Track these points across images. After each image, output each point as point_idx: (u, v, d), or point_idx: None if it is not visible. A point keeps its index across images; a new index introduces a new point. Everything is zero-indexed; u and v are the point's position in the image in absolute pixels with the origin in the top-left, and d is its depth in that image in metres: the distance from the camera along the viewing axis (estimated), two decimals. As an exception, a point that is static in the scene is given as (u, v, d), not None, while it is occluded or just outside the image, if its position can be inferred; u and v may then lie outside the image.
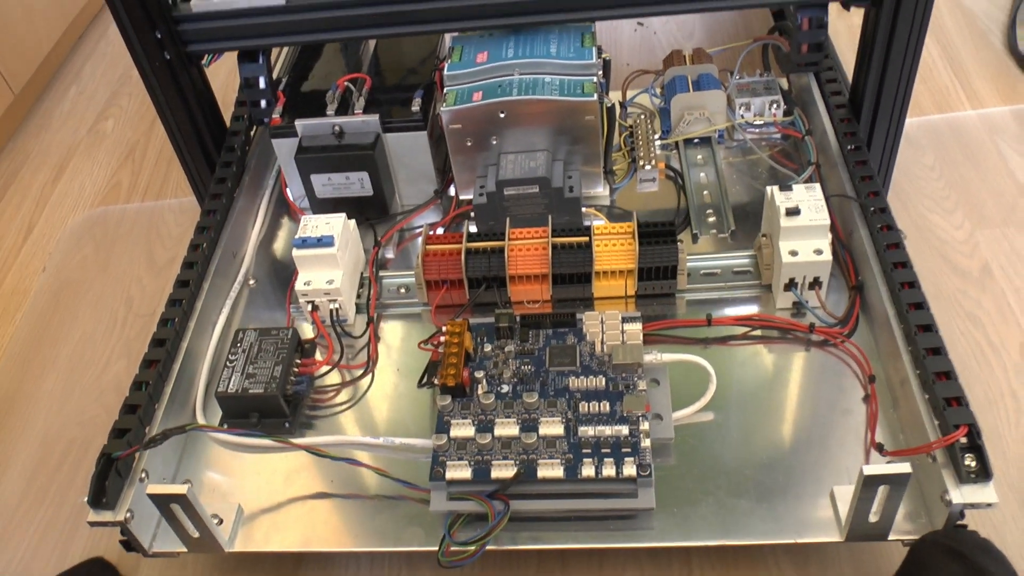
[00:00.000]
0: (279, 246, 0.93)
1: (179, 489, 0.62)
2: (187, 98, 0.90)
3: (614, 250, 0.79)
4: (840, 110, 0.89)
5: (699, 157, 0.95)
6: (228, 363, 0.76)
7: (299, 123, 0.88)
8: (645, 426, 0.67)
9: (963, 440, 0.60)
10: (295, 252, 0.80)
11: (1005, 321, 0.86)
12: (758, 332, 0.77)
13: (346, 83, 0.91)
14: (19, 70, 1.35)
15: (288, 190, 0.96)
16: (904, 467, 0.58)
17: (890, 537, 0.63)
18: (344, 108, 0.89)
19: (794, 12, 0.88)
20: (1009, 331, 0.85)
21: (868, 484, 0.58)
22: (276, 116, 0.90)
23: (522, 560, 0.74)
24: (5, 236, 1.17)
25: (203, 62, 0.92)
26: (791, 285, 0.77)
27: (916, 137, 1.07)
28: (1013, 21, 1.25)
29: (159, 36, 0.85)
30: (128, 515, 0.65)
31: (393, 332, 0.83)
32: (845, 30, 1.28)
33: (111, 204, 1.19)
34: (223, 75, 1.37)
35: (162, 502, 0.63)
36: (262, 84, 0.92)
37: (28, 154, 1.31)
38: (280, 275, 0.89)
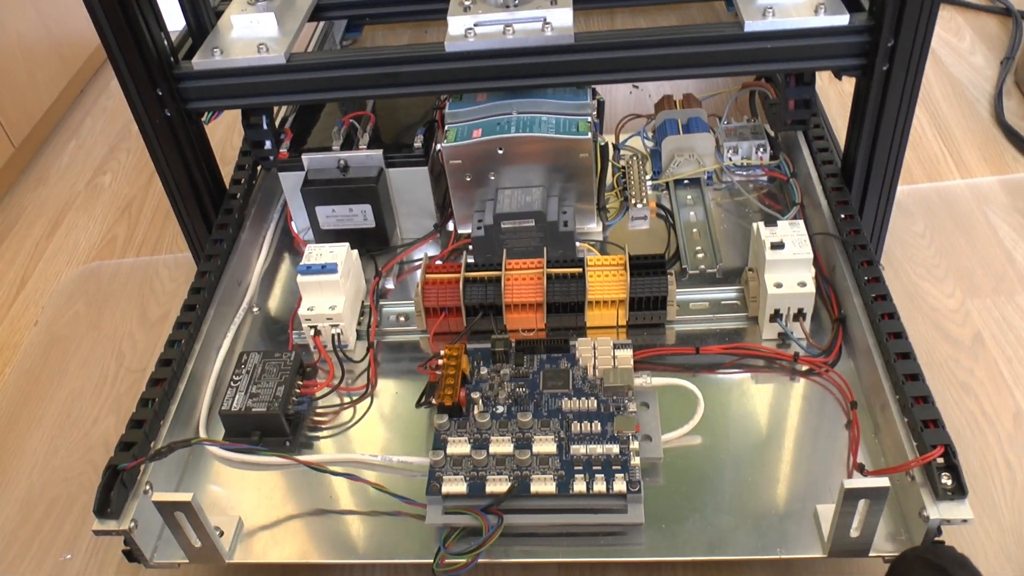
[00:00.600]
0: (282, 276, 0.98)
1: (184, 497, 0.64)
2: (186, 155, 0.91)
3: (606, 280, 0.83)
4: (832, 179, 0.92)
5: (688, 197, 1.00)
6: (232, 383, 0.79)
7: (305, 157, 0.93)
8: (635, 445, 0.70)
9: (940, 460, 0.64)
10: (300, 278, 0.84)
11: (998, 391, 0.86)
12: (745, 361, 0.81)
13: (351, 120, 0.96)
14: (20, 123, 1.37)
15: (293, 223, 1.00)
16: (883, 481, 0.61)
17: (871, 553, 0.65)
18: (349, 144, 0.94)
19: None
20: (1003, 401, 0.85)
21: (849, 498, 0.61)
22: (283, 151, 0.95)
23: (514, 573, 0.76)
24: (-2, 291, 1.17)
25: (203, 119, 0.93)
26: (776, 316, 0.81)
27: (907, 205, 1.09)
28: (1000, 92, 1.28)
29: (160, 93, 0.86)
30: (132, 524, 0.68)
31: (392, 358, 0.86)
32: (836, 96, 1.31)
33: (106, 259, 1.19)
34: (221, 131, 1.38)
35: (167, 510, 0.66)
36: (267, 142, 0.96)
37: (24, 207, 1.32)
38: (282, 304, 0.94)
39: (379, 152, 0.92)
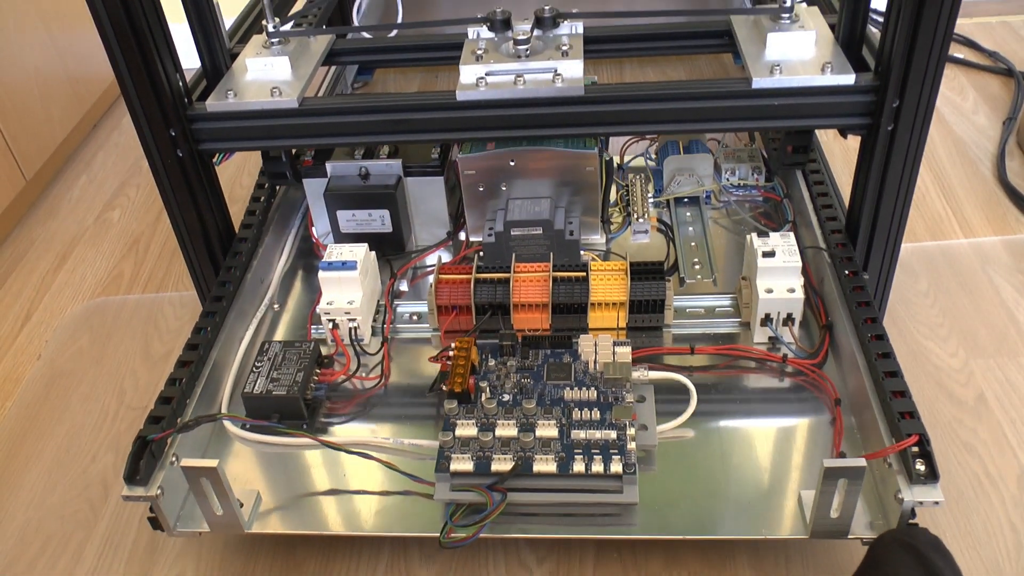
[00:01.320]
0: (302, 277, 1.05)
1: (210, 463, 0.69)
2: (195, 195, 0.92)
3: (608, 284, 0.89)
4: (853, 279, 0.88)
5: (688, 214, 1.07)
6: (254, 369, 0.85)
7: (329, 164, 1.00)
8: (631, 432, 0.74)
9: (915, 449, 0.69)
10: (321, 274, 0.90)
11: (1002, 452, 0.85)
12: (737, 362, 0.87)
13: None
14: (33, 156, 1.38)
15: (314, 228, 1.07)
16: (860, 461, 0.66)
17: (850, 535, 0.70)
18: (370, 153, 1.00)
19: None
20: (1007, 463, 0.85)
21: (828, 476, 0.66)
22: (308, 158, 1.02)
23: (515, 548, 0.81)
24: (2, 323, 1.17)
25: (214, 160, 0.94)
26: (767, 320, 0.86)
27: (910, 263, 1.09)
28: (1002, 152, 1.29)
29: (173, 134, 0.87)
30: (159, 491, 0.73)
31: (405, 352, 0.92)
32: (840, 153, 1.32)
33: (111, 295, 1.19)
34: (231, 171, 1.40)
35: (194, 475, 0.70)
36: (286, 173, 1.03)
37: (33, 241, 1.32)
38: (302, 302, 1.00)
39: (398, 162, 0.99)
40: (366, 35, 1.33)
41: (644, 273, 0.89)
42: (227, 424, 0.84)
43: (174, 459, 0.75)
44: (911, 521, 0.68)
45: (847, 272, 0.88)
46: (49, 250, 1.30)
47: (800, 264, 0.85)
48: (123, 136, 1.58)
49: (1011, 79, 1.49)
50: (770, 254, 0.85)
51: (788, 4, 0.86)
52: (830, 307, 0.89)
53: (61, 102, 1.47)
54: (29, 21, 1.39)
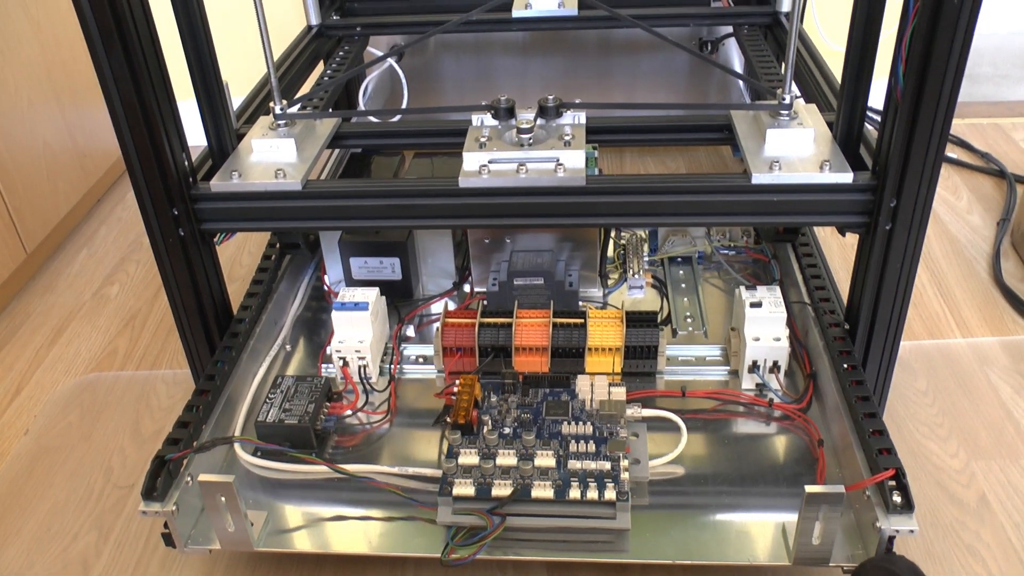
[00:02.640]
0: (312, 322, 1.11)
1: (227, 478, 0.74)
2: (195, 274, 0.91)
3: (605, 330, 0.95)
4: (835, 330, 0.93)
5: (681, 272, 1.16)
6: (267, 400, 0.91)
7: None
8: (625, 463, 0.80)
9: (892, 482, 0.74)
10: (334, 314, 0.96)
11: (1007, 557, 0.84)
12: (726, 406, 0.93)
13: None
14: (35, 230, 1.38)
15: (326, 276, 1.14)
16: (838, 488, 0.71)
17: (831, 563, 0.75)
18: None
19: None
20: (1012, 567, 0.83)
21: (810, 502, 0.71)
22: None
23: (516, 569, 0.85)
24: (-9, 396, 1.16)
25: (215, 239, 0.94)
26: (755, 368, 0.93)
27: (909, 361, 1.09)
28: (997, 252, 1.30)
29: (176, 213, 0.87)
30: (174, 508, 0.77)
31: (411, 391, 0.98)
32: (838, 249, 1.33)
33: (105, 370, 1.18)
34: (231, 250, 1.40)
35: (210, 491, 0.75)
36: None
37: (30, 314, 1.32)
38: (311, 345, 1.07)
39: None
40: (372, 119, 1.35)
41: (639, 321, 0.95)
42: (239, 451, 0.88)
43: (189, 479, 0.80)
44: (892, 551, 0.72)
45: (829, 324, 0.95)
46: (45, 324, 1.29)
47: (785, 315, 0.92)
48: (126, 211, 1.59)
49: (1003, 180, 1.51)
50: (757, 304, 0.92)
51: (787, 101, 0.88)
52: (814, 357, 0.95)
53: (67, 176, 1.49)
54: (42, 96, 1.41)
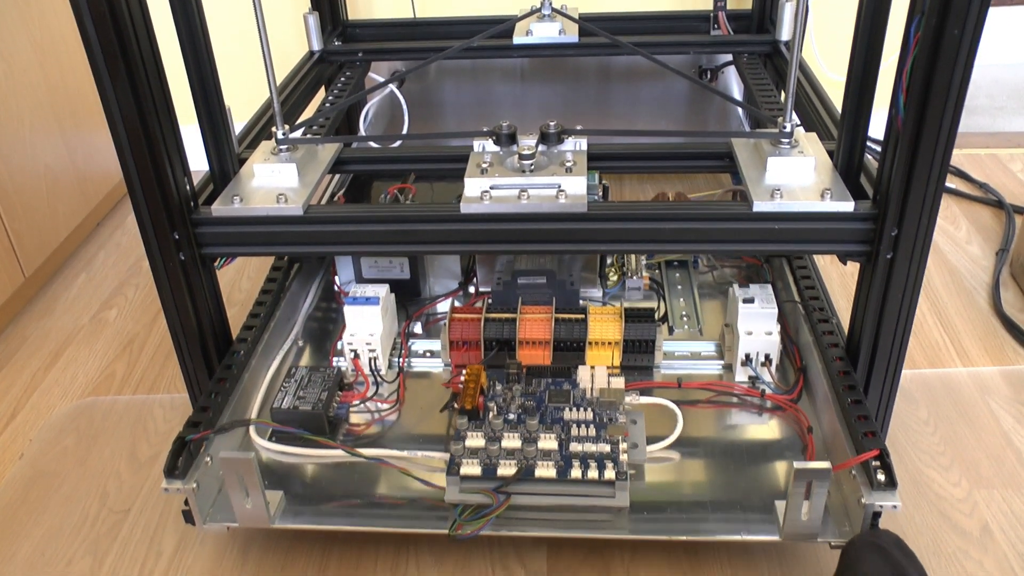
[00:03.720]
0: (323, 320, 1.16)
1: (246, 455, 0.79)
2: (195, 299, 0.91)
3: (604, 325, 1.01)
4: (825, 325, 1.00)
5: (677, 275, 1.20)
6: (282, 388, 0.96)
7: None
8: (623, 446, 0.85)
9: (876, 462, 0.78)
10: (346, 308, 1.01)
11: (1010, 586, 0.83)
12: (720, 397, 0.98)
13: (395, 191, 1.19)
14: (34, 253, 1.38)
15: (337, 276, 1.18)
16: (825, 464, 0.75)
17: (819, 539, 0.79)
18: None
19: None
20: (1015, 597, 0.82)
21: (798, 477, 0.76)
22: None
23: (517, 546, 0.90)
24: (-14, 420, 1.15)
25: (215, 264, 0.94)
26: (747, 361, 0.98)
27: (910, 390, 1.08)
28: (997, 282, 1.30)
29: (177, 237, 0.87)
30: (194, 486, 0.82)
31: (418, 383, 1.03)
32: (837, 276, 1.33)
33: (102, 394, 1.17)
34: (230, 274, 1.40)
35: (230, 467, 0.80)
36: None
37: (27, 338, 1.31)
38: (322, 341, 1.11)
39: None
40: (373, 144, 1.36)
41: (637, 317, 1.01)
42: (254, 436, 0.93)
43: (208, 460, 0.85)
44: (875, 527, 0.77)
45: (819, 320, 1.01)
46: (42, 348, 1.29)
47: (776, 311, 0.97)
48: (126, 236, 1.59)
49: (1001, 210, 1.52)
50: (749, 300, 0.97)
51: (788, 129, 0.88)
52: (804, 352, 1.00)
53: (67, 200, 1.49)
54: (44, 119, 1.41)
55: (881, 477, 0.78)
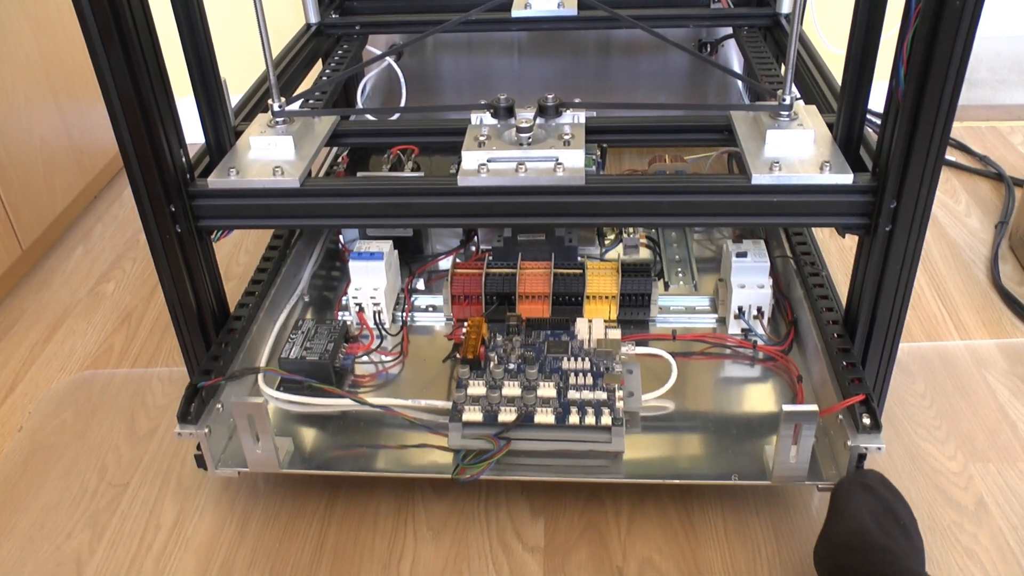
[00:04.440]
0: (328, 279, 1.21)
1: (257, 400, 0.83)
2: (192, 272, 0.91)
3: (602, 278, 1.05)
4: (820, 290, 1.02)
5: (673, 234, 1.24)
6: (289, 340, 1.00)
7: (360, 175, 1.14)
8: (620, 394, 0.88)
9: (862, 407, 0.82)
10: (351, 263, 1.05)
11: (1005, 560, 0.84)
12: (713, 349, 1.02)
13: (399, 151, 1.20)
14: (31, 226, 1.38)
15: (341, 235, 1.23)
16: (812, 407, 0.80)
17: (807, 481, 0.84)
18: (396, 168, 1.15)
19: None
20: (1010, 570, 0.83)
21: (786, 419, 0.80)
22: (340, 170, 1.21)
23: (515, 521, 0.91)
24: (-15, 393, 1.15)
25: (212, 237, 0.94)
26: (740, 314, 1.02)
27: (907, 363, 1.09)
28: (995, 255, 1.30)
29: (173, 210, 0.87)
30: (207, 431, 0.86)
31: (421, 336, 1.08)
32: (836, 251, 1.33)
33: (100, 368, 1.17)
34: (227, 247, 1.40)
35: (242, 412, 0.84)
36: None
37: (24, 311, 1.31)
38: (327, 299, 1.16)
39: (421, 174, 1.13)
40: (370, 117, 1.35)
41: (633, 271, 1.04)
42: (263, 387, 0.97)
43: (220, 407, 0.89)
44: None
45: (809, 273, 1.05)
46: (40, 321, 1.29)
47: (768, 265, 1.01)
48: (123, 209, 1.59)
49: (1001, 183, 1.51)
50: (743, 255, 1.01)
51: (787, 102, 0.88)
52: (795, 306, 1.05)
53: (63, 173, 1.48)
54: (39, 93, 1.41)
55: (867, 420, 0.81)
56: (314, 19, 1.38)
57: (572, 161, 0.85)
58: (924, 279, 1.26)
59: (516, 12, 1.33)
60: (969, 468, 0.94)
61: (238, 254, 1.40)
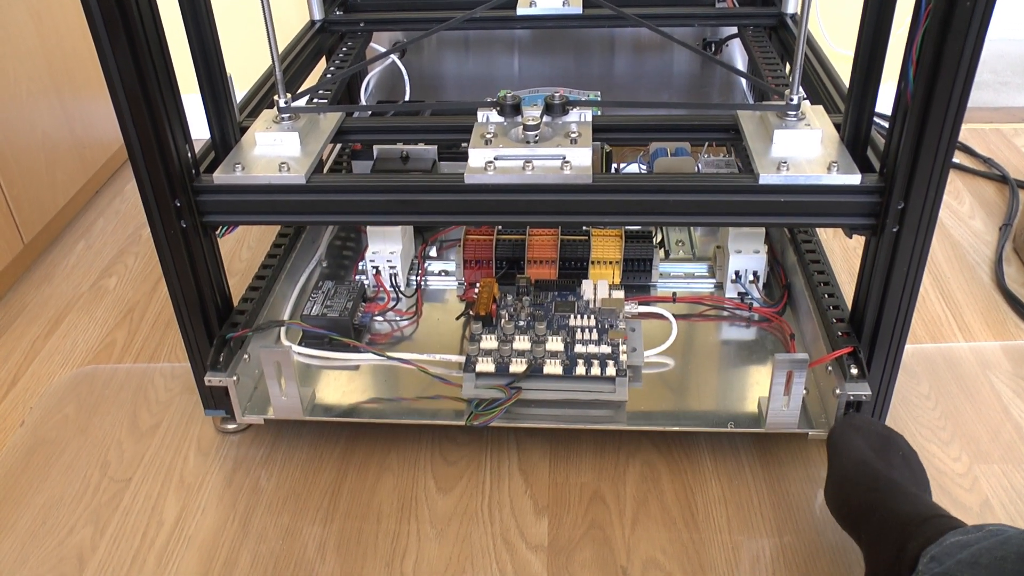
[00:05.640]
0: (343, 248, 1.28)
1: (284, 347, 0.94)
2: (196, 267, 0.91)
3: (606, 244, 1.12)
4: (819, 275, 1.06)
5: None
6: (310, 299, 1.07)
7: (376, 148, 1.17)
8: (623, 348, 0.95)
9: (850, 357, 0.88)
10: (369, 228, 1.11)
11: (1008, 561, 0.83)
12: (711, 311, 1.10)
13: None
14: (33, 220, 1.38)
15: None
16: (803, 355, 0.86)
17: (798, 429, 0.90)
18: (410, 142, 1.17)
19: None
20: (1013, 572, 0.82)
21: (778, 367, 0.86)
22: (357, 144, 1.22)
23: (519, 519, 0.92)
24: (-13, 387, 1.15)
25: (217, 232, 0.93)
26: (737, 278, 1.10)
27: (911, 364, 1.08)
28: (1000, 257, 1.30)
29: (178, 205, 0.86)
30: (235, 378, 0.93)
31: (435, 298, 1.16)
32: (840, 251, 1.33)
33: (102, 362, 1.17)
34: (230, 243, 1.39)
35: (270, 358, 0.91)
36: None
37: (26, 305, 1.31)
38: (344, 266, 1.24)
39: (434, 147, 1.16)
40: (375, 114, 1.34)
41: (636, 238, 1.12)
42: (284, 342, 1.04)
43: (247, 357, 0.96)
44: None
45: (802, 240, 1.12)
46: (41, 315, 1.28)
47: (764, 231, 1.09)
48: (125, 203, 1.58)
49: (1005, 185, 1.51)
50: None
51: (795, 102, 0.87)
52: (789, 272, 1.12)
53: (66, 167, 1.48)
54: (42, 86, 1.40)
55: (854, 370, 0.87)
56: (318, 16, 1.38)
57: (579, 159, 0.85)
58: (928, 281, 1.26)
59: (521, 10, 1.32)
60: (974, 469, 0.94)
61: (240, 250, 1.40)
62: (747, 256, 1.08)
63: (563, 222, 0.92)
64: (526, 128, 0.88)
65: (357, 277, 1.16)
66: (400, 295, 1.13)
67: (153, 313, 1.27)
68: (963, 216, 1.43)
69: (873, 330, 0.88)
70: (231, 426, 1.02)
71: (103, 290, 1.33)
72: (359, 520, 0.91)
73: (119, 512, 0.93)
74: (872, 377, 0.90)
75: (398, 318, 1.11)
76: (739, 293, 1.10)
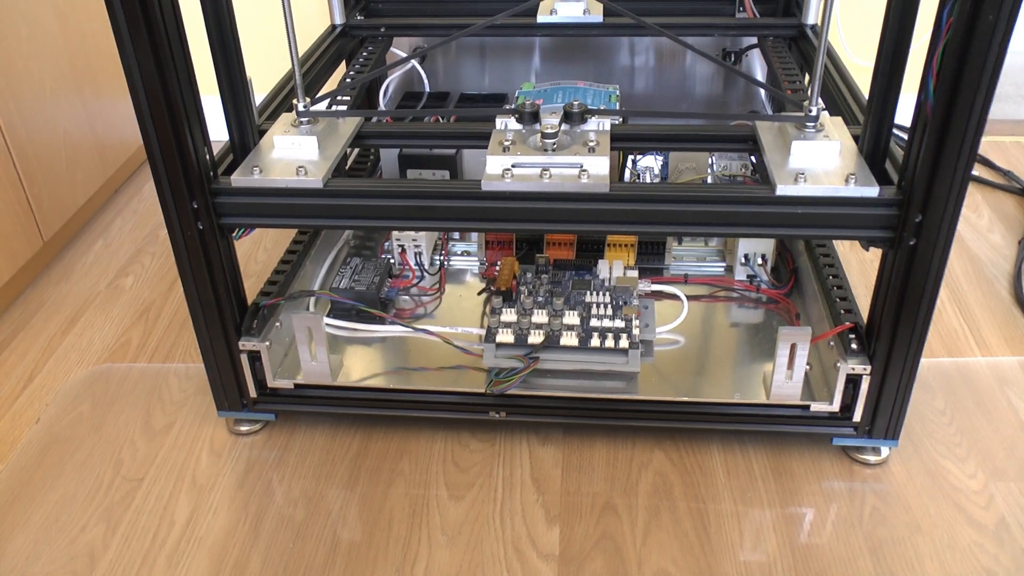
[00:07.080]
0: (370, 228, 1.28)
1: (316, 315, 0.99)
2: (212, 268, 0.91)
3: None
4: (824, 258, 1.09)
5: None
6: (339, 273, 1.14)
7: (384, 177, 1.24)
8: (636, 323, 1.00)
9: (852, 335, 0.92)
10: None
11: (1025, 580, 0.83)
12: (721, 292, 1.16)
13: (438, 118, 1.26)
14: (53, 218, 1.39)
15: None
16: (806, 329, 0.90)
17: (800, 400, 0.94)
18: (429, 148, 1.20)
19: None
20: (1029, 591, 0.82)
21: (782, 339, 0.90)
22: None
23: (529, 527, 0.92)
24: (4, 384, 1.15)
25: (233, 235, 0.94)
26: (746, 260, 1.16)
27: (927, 379, 1.08)
28: (1019, 272, 1.29)
29: (196, 206, 0.87)
30: (268, 343, 0.97)
31: (457, 278, 1.22)
32: (856, 264, 1.32)
33: (118, 361, 1.18)
34: (247, 245, 1.40)
35: (302, 323, 0.95)
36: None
37: (43, 303, 1.32)
38: (369, 246, 1.27)
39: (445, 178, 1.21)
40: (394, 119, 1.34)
41: None
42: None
43: (279, 324, 1.01)
44: None
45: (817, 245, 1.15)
46: (58, 313, 1.29)
47: None
48: (143, 203, 1.59)
49: (1025, 199, 1.50)
50: None
51: (814, 113, 0.87)
52: (796, 256, 1.17)
53: (86, 166, 1.49)
54: (64, 86, 1.41)
55: (855, 346, 0.90)
56: (339, 20, 1.39)
57: (596, 168, 0.85)
58: (946, 294, 1.25)
59: (542, 17, 1.32)
60: (990, 487, 0.93)
61: (257, 252, 1.41)
62: (756, 240, 1.14)
63: (580, 231, 0.92)
64: (544, 136, 0.88)
65: (383, 256, 1.21)
66: (424, 272, 1.19)
67: (169, 313, 1.27)
68: (982, 229, 1.42)
69: (889, 344, 0.88)
70: (244, 428, 1.03)
71: (120, 289, 1.34)
72: (370, 525, 0.91)
73: (131, 511, 0.94)
74: (887, 392, 0.90)
75: (422, 294, 1.17)
76: (748, 275, 1.16)
